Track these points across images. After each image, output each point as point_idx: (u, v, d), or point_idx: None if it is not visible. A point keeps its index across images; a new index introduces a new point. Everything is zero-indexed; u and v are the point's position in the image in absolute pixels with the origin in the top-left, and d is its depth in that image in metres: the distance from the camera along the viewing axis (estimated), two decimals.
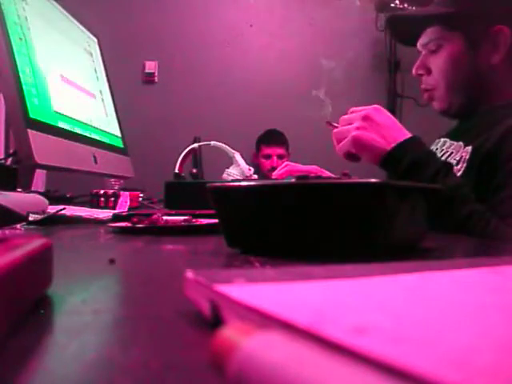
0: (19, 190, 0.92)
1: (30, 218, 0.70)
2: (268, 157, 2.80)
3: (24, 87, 0.93)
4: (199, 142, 1.59)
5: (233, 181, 1.11)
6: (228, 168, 1.20)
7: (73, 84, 1.23)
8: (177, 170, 1.16)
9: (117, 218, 0.77)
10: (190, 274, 0.22)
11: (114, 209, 1.06)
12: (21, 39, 0.99)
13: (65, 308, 0.25)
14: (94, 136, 1.26)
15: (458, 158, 0.92)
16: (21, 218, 0.69)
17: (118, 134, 1.53)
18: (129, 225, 0.64)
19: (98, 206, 1.08)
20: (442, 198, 0.73)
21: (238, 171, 1.18)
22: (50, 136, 0.98)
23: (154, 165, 2.46)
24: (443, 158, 0.94)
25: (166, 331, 0.21)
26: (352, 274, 0.24)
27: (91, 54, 1.50)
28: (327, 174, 0.99)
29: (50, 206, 0.82)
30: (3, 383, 0.15)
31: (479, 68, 0.97)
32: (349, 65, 3.14)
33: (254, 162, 2.76)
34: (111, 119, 1.50)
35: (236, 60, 3.15)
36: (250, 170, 1.20)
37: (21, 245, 0.24)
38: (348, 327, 0.15)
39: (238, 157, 1.20)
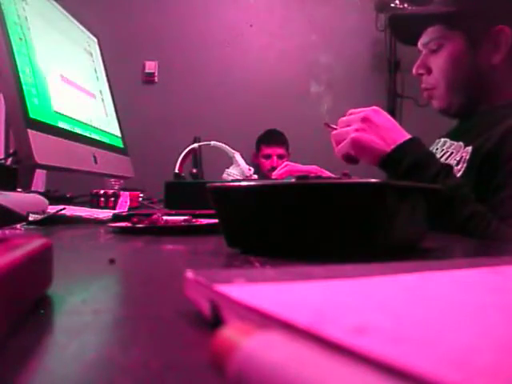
0: (19, 190, 0.92)
1: (30, 218, 0.70)
2: (268, 157, 2.80)
3: (24, 87, 0.93)
4: (199, 142, 1.59)
5: (233, 181, 1.11)
6: (228, 168, 1.20)
7: (73, 84, 1.23)
8: (177, 170, 1.16)
9: (117, 217, 0.77)
10: (189, 274, 0.22)
11: (114, 209, 1.06)
12: (21, 39, 0.99)
13: (65, 308, 0.25)
14: (94, 136, 1.26)
15: (458, 158, 0.92)
16: (21, 217, 0.69)
17: (118, 134, 1.53)
18: (129, 225, 0.64)
19: (98, 206, 1.08)
20: (443, 200, 0.73)
21: (238, 171, 1.18)
22: (50, 136, 0.98)
23: (153, 165, 2.46)
24: (443, 158, 0.94)
25: (166, 331, 0.21)
26: (352, 273, 0.24)
27: (91, 54, 1.50)
28: (327, 174, 0.99)
29: (50, 206, 0.82)
30: (3, 383, 0.15)
31: (480, 68, 0.97)
32: (349, 65, 3.15)
33: (253, 162, 2.76)
34: (111, 119, 1.50)
35: (236, 60, 3.15)
36: (250, 169, 1.20)
37: (21, 245, 0.24)
38: (348, 327, 0.15)
39: (238, 157, 1.20)
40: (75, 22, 1.39)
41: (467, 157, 0.90)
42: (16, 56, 0.93)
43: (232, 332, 0.14)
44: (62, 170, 1.06)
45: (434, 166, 0.79)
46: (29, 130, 0.90)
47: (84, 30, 1.47)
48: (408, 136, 0.81)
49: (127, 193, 1.14)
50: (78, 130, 1.16)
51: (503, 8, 0.98)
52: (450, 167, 0.81)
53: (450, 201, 0.75)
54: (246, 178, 1.16)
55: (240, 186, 0.47)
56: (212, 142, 1.23)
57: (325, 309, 0.17)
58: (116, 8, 3.03)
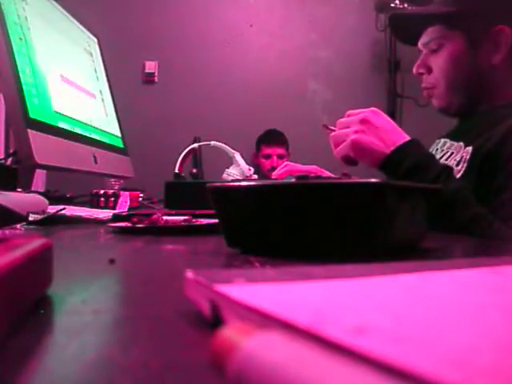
0: (19, 190, 0.92)
1: (30, 218, 0.70)
2: (268, 157, 2.80)
3: (24, 87, 0.93)
4: (199, 142, 1.59)
5: (233, 181, 1.11)
6: (228, 168, 1.20)
7: (73, 84, 1.23)
8: (177, 170, 1.16)
9: (117, 217, 0.77)
10: (189, 274, 0.22)
11: (114, 209, 1.06)
12: (21, 39, 0.99)
13: (65, 308, 0.25)
14: (94, 136, 1.26)
15: (458, 159, 0.91)
16: (21, 217, 0.69)
17: (118, 134, 1.53)
18: (129, 225, 0.64)
19: (98, 206, 1.08)
20: (444, 202, 0.73)
21: (238, 171, 1.18)
22: (50, 136, 0.98)
23: (153, 165, 2.46)
24: (443, 159, 0.94)
25: (166, 331, 0.21)
26: (352, 273, 0.24)
27: (91, 54, 1.50)
28: (327, 174, 0.99)
29: (50, 206, 0.82)
30: (3, 383, 0.15)
31: (480, 68, 0.97)
32: (349, 65, 3.15)
33: (253, 162, 2.76)
34: (111, 119, 1.50)
35: (236, 60, 3.15)
36: (250, 169, 1.20)
37: (21, 245, 0.24)
38: (348, 327, 0.15)
39: (238, 157, 1.20)
40: (75, 22, 1.39)
41: (467, 157, 0.89)
42: (16, 56, 0.93)
43: (232, 332, 0.14)
44: (62, 170, 1.06)
45: (435, 167, 0.79)
46: (29, 130, 0.90)
47: (84, 30, 1.47)
48: (407, 138, 0.81)
49: (127, 193, 1.14)
50: (78, 130, 1.16)
51: (503, 8, 0.98)
52: (450, 169, 0.81)
53: (451, 203, 0.75)
54: (246, 178, 1.16)
55: (240, 186, 0.47)
56: (212, 142, 1.23)
57: (325, 309, 0.17)
58: (116, 8, 3.03)
